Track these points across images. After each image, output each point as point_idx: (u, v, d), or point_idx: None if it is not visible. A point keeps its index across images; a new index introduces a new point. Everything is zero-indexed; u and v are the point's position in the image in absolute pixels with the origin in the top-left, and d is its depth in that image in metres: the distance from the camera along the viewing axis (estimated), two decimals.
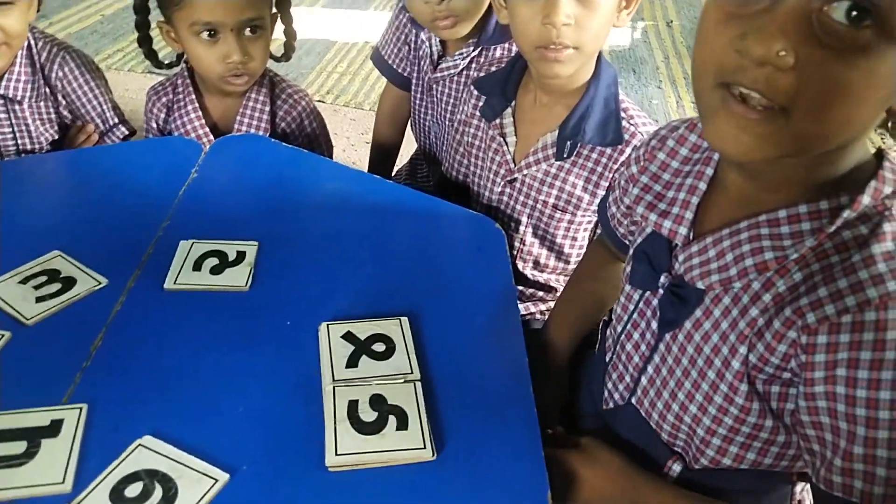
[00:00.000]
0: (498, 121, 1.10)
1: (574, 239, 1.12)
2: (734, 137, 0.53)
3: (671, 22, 3.39)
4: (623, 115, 1.02)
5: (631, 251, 0.78)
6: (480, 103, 1.12)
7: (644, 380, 0.74)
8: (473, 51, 1.25)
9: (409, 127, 1.53)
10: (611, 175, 1.03)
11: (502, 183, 1.11)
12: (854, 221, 0.57)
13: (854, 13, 0.46)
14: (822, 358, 0.55)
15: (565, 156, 1.03)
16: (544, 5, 0.91)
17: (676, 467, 0.73)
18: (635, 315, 0.76)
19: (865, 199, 0.56)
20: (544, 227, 1.11)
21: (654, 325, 0.72)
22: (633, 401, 0.76)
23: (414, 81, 1.40)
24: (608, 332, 0.83)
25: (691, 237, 0.67)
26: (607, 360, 0.81)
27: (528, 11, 0.93)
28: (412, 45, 1.37)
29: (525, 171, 1.07)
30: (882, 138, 2.73)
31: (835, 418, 0.56)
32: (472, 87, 1.15)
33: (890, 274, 0.53)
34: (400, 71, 1.42)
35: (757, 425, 0.64)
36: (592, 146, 1.02)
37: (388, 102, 1.51)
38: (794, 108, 0.50)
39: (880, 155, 0.59)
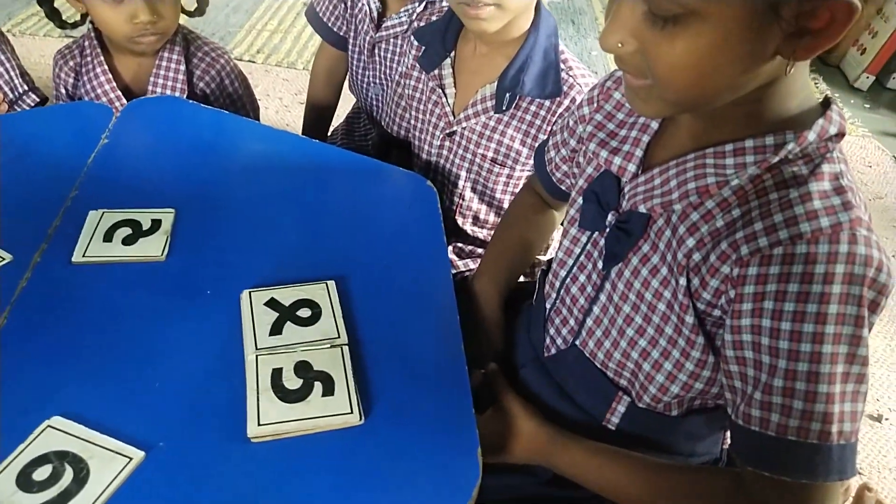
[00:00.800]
0: (437, 71, 1.07)
1: (513, 194, 1.10)
2: (632, 101, 0.62)
3: None
4: (562, 66, 1.00)
5: (575, 193, 0.79)
6: (420, 54, 1.09)
7: (589, 321, 0.74)
8: (419, 6, 1.20)
9: (345, 86, 1.48)
10: (548, 128, 1.01)
11: (441, 136, 1.08)
12: (795, 160, 0.58)
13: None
14: (751, 289, 0.57)
15: (504, 108, 1.01)
16: None
17: (621, 408, 0.74)
18: (581, 257, 0.76)
19: (811, 136, 0.57)
20: (483, 182, 1.09)
21: (601, 264, 0.72)
22: (578, 343, 0.76)
23: (351, 41, 1.34)
24: (548, 279, 0.82)
25: (639, 173, 0.68)
26: (548, 306, 0.81)
27: None
28: (348, 3, 1.31)
29: (464, 124, 1.05)
30: (815, 83, 2.78)
31: (758, 352, 0.57)
32: (412, 38, 1.11)
33: (824, 210, 0.55)
34: (335, 30, 1.36)
35: (701, 361, 0.65)
36: (531, 98, 1.00)
37: (323, 62, 1.46)
38: (651, 79, 0.56)
39: (827, 102, 0.60)
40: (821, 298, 0.54)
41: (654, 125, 0.70)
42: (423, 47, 1.09)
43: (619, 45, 0.56)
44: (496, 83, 1.01)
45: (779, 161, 0.58)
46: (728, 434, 0.79)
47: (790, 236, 0.55)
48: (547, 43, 1.00)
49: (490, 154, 1.05)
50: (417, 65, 1.10)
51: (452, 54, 1.06)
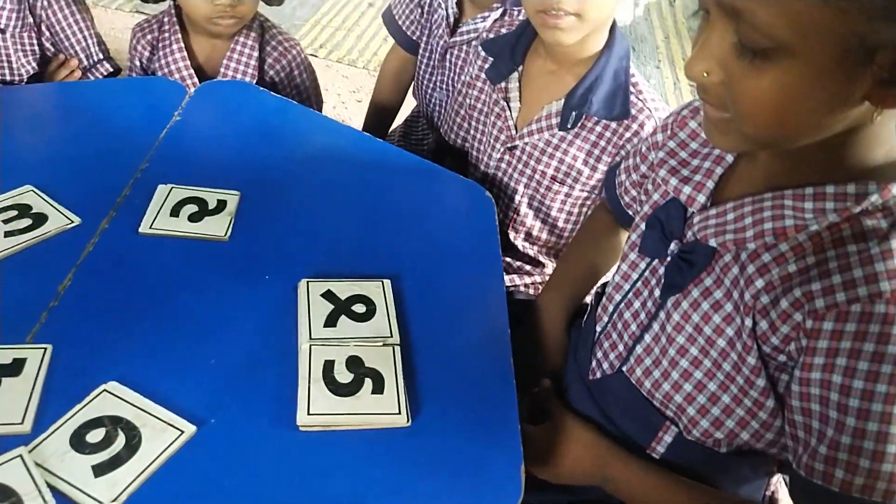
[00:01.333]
0: (503, 84, 1.07)
1: (570, 214, 1.09)
2: (709, 132, 0.61)
3: (674, 1, 3.34)
4: (632, 89, 0.99)
5: (638, 219, 0.78)
6: (486, 65, 1.09)
7: (639, 348, 0.73)
8: (497, 12, 1.20)
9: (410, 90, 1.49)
10: (614, 151, 1.00)
11: (502, 149, 1.08)
12: (875, 213, 0.56)
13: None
14: (825, 344, 0.56)
15: (569, 126, 1.01)
16: None
17: (668, 438, 0.72)
18: (639, 283, 0.75)
19: (895, 190, 0.56)
20: (540, 199, 1.09)
21: (657, 293, 0.71)
22: (625, 369, 0.75)
23: (423, 46, 1.36)
24: (602, 302, 0.82)
25: (708, 205, 0.67)
26: (598, 329, 0.80)
27: None
28: (425, 8, 1.32)
29: (526, 139, 1.05)
30: None
31: (825, 406, 0.57)
32: (479, 48, 1.11)
33: None
34: (409, 34, 1.38)
35: (758, 402, 0.64)
36: (597, 119, 1.00)
37: (393, 63, 1.47)
38: (732, 113, 0.55)
39: None
40: None
41: (730, 158, 0.69)
42: (491, 59, 1.09)
43: (705, 74, 0.55)
44: (563, 101, 1.01)
45: (859, 211, 0.56)
46: (771, 481, 0.78)
47: (869, 294, 0.54)
48: (618, 65, 1.00)
49: (550, 171, 1.05)
50: (483, 75, 1.10)
51: (520, 68, 1.06)
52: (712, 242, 0.65)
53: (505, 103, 1.07)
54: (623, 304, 0.77)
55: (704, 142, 0.73)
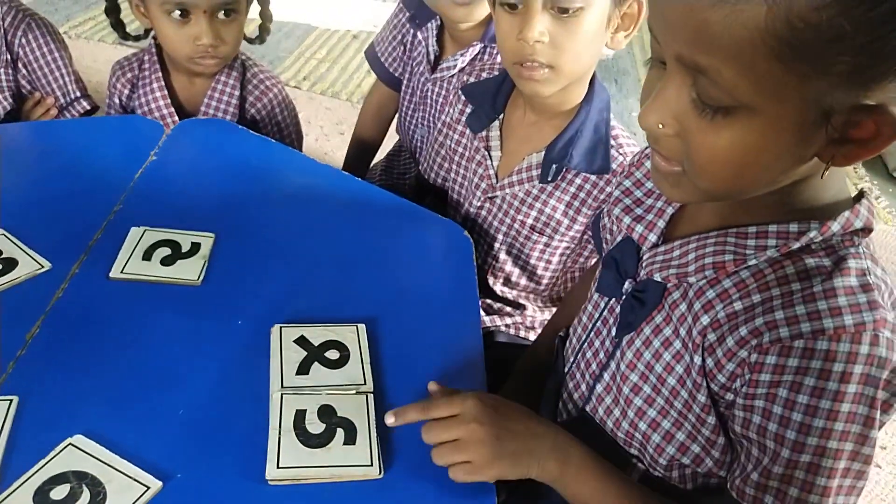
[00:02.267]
0: (484, 133, 1.07)
1: (549, 262, 1.09)
2: (659, 184, 0.61)
3: None
4: (613, 142, 0.99)
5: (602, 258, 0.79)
6: (468, 110, 1.09)
7: (599, 387, 0.73)
8: (476, 50, 1.21)
9: (392, 125, 1.50)
10: (594, 204, 1.01)
11: (482, 197, 1.08)
12: (817, 251, 0.58)
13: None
14: (768, 378, 0.57)
15: (549, 179, 1.01)
16: (520, 21, 0.88)
17: (634, 476, 0.72)
18: (598, 323, 0.76)
19: (835, 227, 0.57)
20: (519, 247, 1.08)
21: (614, 331, 0.72)
22: (588, 409, 0.75)
23: (404, 83, 1.37)
24: (567, 345, 0.82)
25: (659, 243, 0.68)
26: (565, 371, 0.80)
27: (507, 26, 0.91)
28: (407, 46, 1.34)
29: (507, 190, 1.05)
30: (854, 169, 2.76)
31: (763, 436, 0.58)
32: (459, 92, 1.12)
33: (849, 308, 0.55)
34: (391, 70, 1.39)
35: (710, 440, 0.65)
36: (577, 171, 1.00)
37: (376, 99, 1.49)
38: (686, 166, 0.56)
39: (860, 196, 0.60)
40: (835, 396, 0.54)
41: None
42: (472, 106, 1.09)
43: (660, 126, 0.55)
44: (543, 153, 1.01)
45: (800, 249, 0.58)
46: None
47: (812, 331, 0.55)
48: (598, 117, 0.99)
49: (530, 221, 1.05)
50: (464, 119, 1.10)
51: (501, 116, 1.07)
52: (657, 277, 0.66)
53: (486, 152, 1.06)
54: (586, 344, 0.77)
55: None
